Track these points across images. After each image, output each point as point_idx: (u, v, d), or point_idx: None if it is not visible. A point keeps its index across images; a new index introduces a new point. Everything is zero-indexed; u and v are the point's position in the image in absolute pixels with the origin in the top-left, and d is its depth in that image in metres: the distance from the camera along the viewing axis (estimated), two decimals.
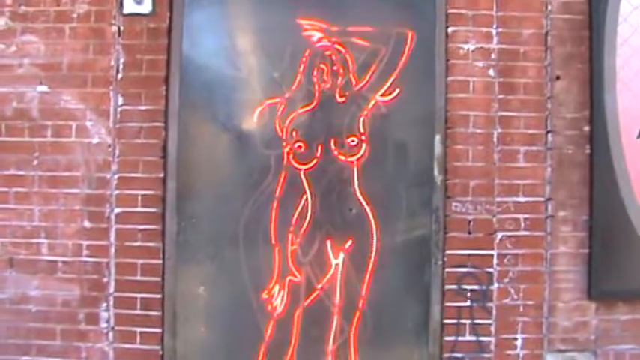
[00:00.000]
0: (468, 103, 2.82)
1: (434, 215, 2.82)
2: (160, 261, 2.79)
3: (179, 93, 2.84)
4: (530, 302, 2.78)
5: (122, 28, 2.83)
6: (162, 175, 2.81)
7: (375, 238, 2.82)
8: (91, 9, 2.84)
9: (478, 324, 2.77)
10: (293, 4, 2.92)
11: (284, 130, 2.85)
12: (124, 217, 2.79)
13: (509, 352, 2.78)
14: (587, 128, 2.82)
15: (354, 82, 2.85)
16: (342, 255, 2.83)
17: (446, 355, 2.78)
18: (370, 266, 2.81)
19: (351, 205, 2.84)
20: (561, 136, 2.83)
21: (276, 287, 2.81)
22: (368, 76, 2.84)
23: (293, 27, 2.86)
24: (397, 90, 2.83)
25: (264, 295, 2.81)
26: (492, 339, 2.77)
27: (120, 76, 2.82)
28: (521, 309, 2.78)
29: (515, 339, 2.78)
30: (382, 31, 2.85)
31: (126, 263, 2.78)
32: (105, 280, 2.78)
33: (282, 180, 2.84)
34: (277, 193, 2.84)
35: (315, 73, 2.85)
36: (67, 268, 2.79)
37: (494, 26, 2.83)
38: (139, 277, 2.78)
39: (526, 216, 2.80)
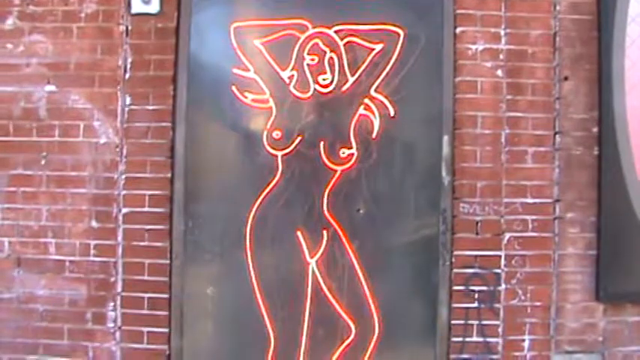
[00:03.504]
0: (475, 103, 2.81)
1: (441, 216, 2.81)
2: (168, 261, 2.79)
3: (187, 92, 2.84)
4: (538, 303, 2.77)
5: (130, 27, 2.84)
6: (169, 175, 2.81)
7: (383, 238, 2.82)
8: (98, 9, 2.84)
9: (486, 325, 2.76)
10: (299, 1, 2.91)
11: (289, 130, 2.83)
12: (132, 217, 2.80)
13: (516, 353, 2.76)
14: (595, 129, 2.81)
15: (362, 82, 2.84)
16: (349, 255, 2.82)
17: (453, 356, 2.77)
18: (379, 267, 2.82)
19: (359, 205, 2.84)
20: (569, 137, 2.81)
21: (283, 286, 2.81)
22: (377, 75, 2.83)
23: (299, 25, 2.85)
24: (404, 90, 2.83)
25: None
26: (500, 340, 2.76)
27: (127, 75, 2.83)
28: (528, 310, 2.77)
29: (523, 340, 2.76)
30: (390, 32, 2.84)
31: (133, 263, 2.78)
32: (112, 279, 2.79)
33: (288, 179, 2.83)
34: (284, 192, 2.83)
35: (325, 72, 2.83)
36: (75, 268, 2.80)
37: (503, 27, 2.82)
38: (146, 277, 2.78)
39: (534, 217, 2.79)
